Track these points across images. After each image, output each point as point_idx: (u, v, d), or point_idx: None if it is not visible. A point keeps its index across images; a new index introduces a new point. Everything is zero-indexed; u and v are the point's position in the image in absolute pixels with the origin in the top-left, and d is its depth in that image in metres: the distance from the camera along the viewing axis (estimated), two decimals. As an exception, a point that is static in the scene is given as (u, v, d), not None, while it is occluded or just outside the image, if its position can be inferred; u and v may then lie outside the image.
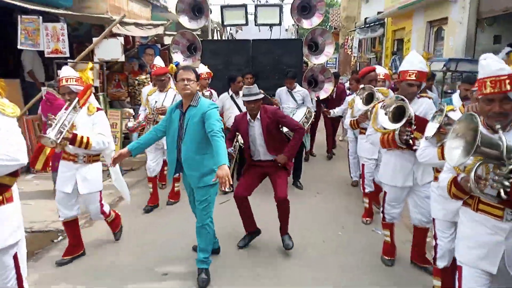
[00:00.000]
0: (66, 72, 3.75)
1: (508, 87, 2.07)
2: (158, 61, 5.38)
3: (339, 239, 4.55)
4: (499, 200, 2.08)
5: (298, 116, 5.91)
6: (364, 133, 4.64)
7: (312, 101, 6.95)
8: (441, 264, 3.12)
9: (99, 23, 8.37)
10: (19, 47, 6.32)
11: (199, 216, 3.58)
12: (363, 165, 5.02)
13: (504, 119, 2.13)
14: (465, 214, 2.35)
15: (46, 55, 6.38)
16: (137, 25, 7.56)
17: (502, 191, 2.01)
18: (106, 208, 4.12)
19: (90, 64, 4.08)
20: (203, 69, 6.18)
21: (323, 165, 7.92)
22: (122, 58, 6.82)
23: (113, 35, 6.91)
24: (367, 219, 4.96)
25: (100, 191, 3.96)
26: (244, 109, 5.56)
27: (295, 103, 6.30)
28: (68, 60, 6.43)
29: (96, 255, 4.13)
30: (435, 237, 3.19)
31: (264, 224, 4.40)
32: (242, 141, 4.59)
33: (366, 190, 4.97)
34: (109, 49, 6.60)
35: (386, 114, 3.36)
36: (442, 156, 2.64)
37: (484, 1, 9.60)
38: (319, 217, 5.14)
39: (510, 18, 8.88)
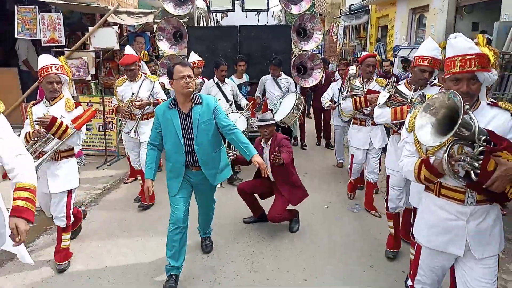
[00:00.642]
0: (49, 60, 3.43)
1: (477, 66, 2.05)
2: (128, 50, 5.11)
3: (327, 211, 5.04)
4: (469, 182, 2.02)
5: (289, 104, 5.79)
6: (357, 123, 4.86)
7: (297, 89, 6.89)
8: (392, 210, 3.82)
9: (91, 12, 8.52)
10: (16, 36, 6.47)
11: (208, 206, 3.78)
12: (352, 155, 5.04)
13: (470, 100, 2.10)
14: (427, 199, 2.36)
15: (43, 44, 6.53)
16: (129, 13, 7.72)
17: (472, 172, 1.97)
18: (70, 219, 3.64)
19: (62, 58, 3.70)
20: (194, 57, 6.11)
21: (312, 150, 8.10)
22: (117, 47, 7.00)
23: (107, 24, 7.08)
24: (351, 193, 5.39)
25: (70, 191, 3.56)
26: (229, 96, 5.86)
27: (280, 91, 6.29)
28: (65, 49, 6.61)
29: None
30: (387, 190, 3.86)
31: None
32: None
33: (352, 178, 5.25)
34: (105, 38, 6.76)
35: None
36: (394, 117, 3.37)
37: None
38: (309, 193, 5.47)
39: (487, 6, 9.30)
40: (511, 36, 6.77)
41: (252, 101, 6.28)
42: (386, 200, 3.88)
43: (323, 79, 7.76)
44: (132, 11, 8.08)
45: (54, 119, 3.28)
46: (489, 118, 2.13)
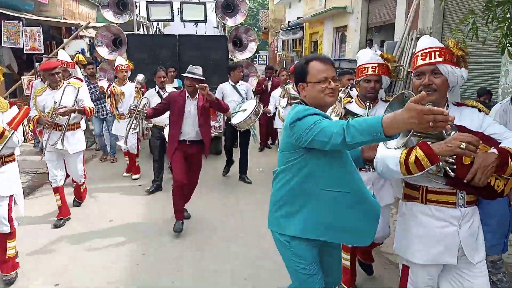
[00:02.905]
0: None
1: (438, 58, 1.96)
2: (62, 55, 5.15)
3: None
4: (448, 180, 1.94)
5: (248, 110, 5.62)
6: None
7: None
8: None
9: (57, 26, 9.98)
10: (3, 45, 7.81)
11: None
12: None
13: (436, 96, 1.97)
14: (412, 209, 2.11)
15: (25, 51, 7.92)
16: (94, 28, 9.25)
17: (448, 169, 1.90)
18: (13, 223, 3.35)
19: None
20: (120, 60, 6.12)
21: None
22: (87, 55, 8.52)
23: (80, 36, 8.59)
24: None
25: (11, 197, 3.33)
26: None
27: (240, 97, 6.10)
28: (44, 55, 8.04)
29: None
30: None
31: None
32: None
33: None
34: (76, 48, 8.26)
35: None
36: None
37: (372, 13, 12.43)
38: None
39: (391, 27, 11.70)
40: (395, 52, 9.10)
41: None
42: None
43: (270, 85, 8.27)
44: (97, 25, 9.59)
45: None
46: (459, 116, 1.99)
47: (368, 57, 2.87)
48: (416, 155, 1.85)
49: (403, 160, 1.89)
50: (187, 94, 4.34)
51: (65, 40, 8.42)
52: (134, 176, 6.11)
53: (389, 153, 1.95)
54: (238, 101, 6.02)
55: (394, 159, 1.93)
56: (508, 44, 2.68)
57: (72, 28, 10.28)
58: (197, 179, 4.52)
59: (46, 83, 4.45)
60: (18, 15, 8.32)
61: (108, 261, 3.66)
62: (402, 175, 1.95)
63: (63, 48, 8.31)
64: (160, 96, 5.54)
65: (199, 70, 4.30)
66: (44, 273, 3.47)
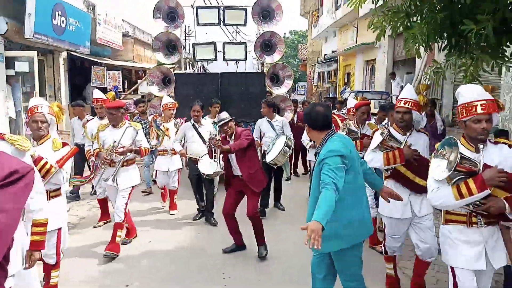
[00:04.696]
0: (38, 101, 3.59)
1: (492, 109, 2.47)
2: (97, 94, 5.71)
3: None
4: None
5: (279, 144, 5.69)
6: None
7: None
8: (391, 253, 3.75)
9: (129, 68, 12.26)
10: (92, 85, 10.05)
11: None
12: None
13: (486, 136, 2.52)
14: (457, 232, 2.69)
15: (108, 90, 10.08)
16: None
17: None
18: (59, 256, 3.60)
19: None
20: (167, 99, 6.40)
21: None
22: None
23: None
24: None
25: (60, 229, 3.52)
26: (206, 137, 5.55)
27: (274, 132, 6.15)
28: (122, 92, 10.17)
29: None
30: (384, 236, 3.73)
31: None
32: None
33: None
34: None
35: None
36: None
37: (397, 48, 13.78)
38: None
39: (414, 60, 12.96)
40: (412, 84, 10.43)
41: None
42: (384, 246, 3.77)
43: (295, 118, 8.57)
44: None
45: (39, 158, 3.28)
46: (494, 155, 2.54)
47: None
48: (470, 188, 2.43)
49: (458, 193, 2.47)
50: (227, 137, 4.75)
51: (139, 81, 10.55)
52: (171, 212, 6.23)
53: (446, 192, 2.52)
54: (273, 137, 6.08)
55: (450, 192, 2.50)
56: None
57: (139, 70, 12.55)
58: (252, 208, 4.56)
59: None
60: (100, 61, 10.59)
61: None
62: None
63: (136, 89, 10.43)
64: (196, 129, 5.80)
65: (224, 114, 4.67)
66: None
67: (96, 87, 10.26)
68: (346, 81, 19.17)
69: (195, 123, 5.80)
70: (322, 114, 2.87)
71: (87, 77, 10.56)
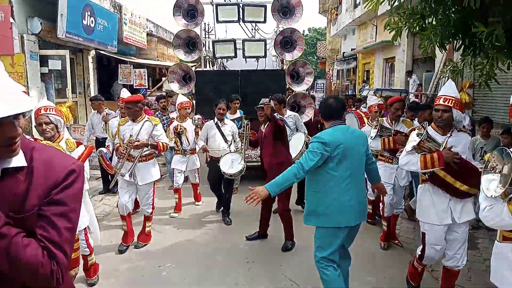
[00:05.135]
0: (45, 102, 3.65)
1: None
2: (124, 93, 5.78)
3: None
4: None
5: (298, 143, 5.45)
6: (384, 161, 4.76)
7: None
8: (426, 263, 3.60)
9: (153, 66, 12.66)
10: (119, 82, 10.51)
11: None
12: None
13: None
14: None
15: (134, 87, 10.50)
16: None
17: None
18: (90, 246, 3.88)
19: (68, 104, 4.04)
20: (181, 98, 6.31)
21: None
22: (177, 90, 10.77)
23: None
24: (384, 243, 4.84)
25: (85, 229, 3.73)
26: (228, 137, 5.72)
27: (288, 129, 5.79)
28: (147, 90, 10.58)
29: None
30: (423, 246, 3.42)
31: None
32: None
33: (386, 214, 4.79)
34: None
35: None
36: (424, 166, 2.56)
37: (417, 46, 13.80)
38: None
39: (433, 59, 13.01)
40: (432, 83, 10.51)
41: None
42: (421, 257, 3.50)
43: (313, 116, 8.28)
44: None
45: None
46: None
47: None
48: None
49: None
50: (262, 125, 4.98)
51: (163, 78, 10.95)
52: (197, 203, 6.53)
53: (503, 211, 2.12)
54: (288, 133, 5.67)
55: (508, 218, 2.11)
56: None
57: (163, 68, 12.94)
58: (282, 206, 4.74)
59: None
60: (127, 59, 11.01)
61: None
62: None
63: (161, 86, 10.81)
64: (218, 127, 5.74)
65: (265, 99, 4.76)
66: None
67: (124, 85, 10.75)
68: (365, 79, 19.21)
69: (218, 122, 5.77)
70: (330, 106, 3.15)
71: (114, 74, 11.02)
